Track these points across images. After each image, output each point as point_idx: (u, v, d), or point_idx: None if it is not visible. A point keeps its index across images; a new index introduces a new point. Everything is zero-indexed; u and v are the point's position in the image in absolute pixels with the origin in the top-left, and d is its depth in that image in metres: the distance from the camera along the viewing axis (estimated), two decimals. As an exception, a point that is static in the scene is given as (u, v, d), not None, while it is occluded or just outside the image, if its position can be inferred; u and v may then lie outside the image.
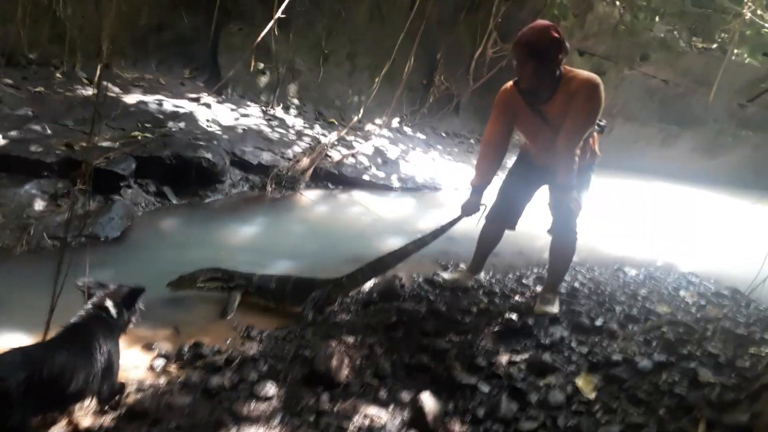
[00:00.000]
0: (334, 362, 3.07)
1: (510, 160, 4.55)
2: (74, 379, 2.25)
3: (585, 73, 3.61)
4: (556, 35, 3.50)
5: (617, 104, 11.57)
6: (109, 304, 2.66)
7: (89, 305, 2.64)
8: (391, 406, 2.87)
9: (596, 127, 3.82)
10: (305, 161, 7.66)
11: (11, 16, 6.79)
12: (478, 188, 4.26)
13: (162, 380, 3.00)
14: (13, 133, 5.59)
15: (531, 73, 3.58)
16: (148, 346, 3.32)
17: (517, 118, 3.97)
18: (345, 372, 3.08)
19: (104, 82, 7.26)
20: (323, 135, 8.88)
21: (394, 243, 5.86)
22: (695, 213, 9.71)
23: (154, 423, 2.57)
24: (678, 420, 2.95)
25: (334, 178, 7.99)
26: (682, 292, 5.12)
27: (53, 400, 2.26)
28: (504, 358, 3.42)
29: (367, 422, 2.69)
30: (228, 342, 3.54)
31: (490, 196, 4.34)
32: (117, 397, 2.68)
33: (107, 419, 2.57)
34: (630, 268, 5.78)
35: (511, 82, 3.90)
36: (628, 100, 12.33)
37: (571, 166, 3.68)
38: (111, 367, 2.53)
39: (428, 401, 2.74)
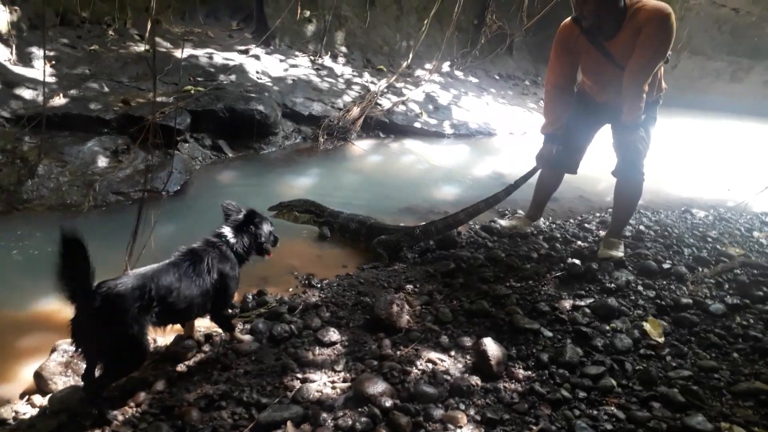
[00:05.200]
0: (395, 308, 3.08)
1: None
2: (181, 298, 2.42)
3: (652, 3, 3.31)
4: None
5: (682, 37, 10.85)
6: (226, 230, 2.75)
7: (210, 233, 2.75)
8: (453, 351, 2.86)
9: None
10: (355, 110, 7.58)
11: (62, -25, 6.87)
12: (551, 135, 4.03)
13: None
14: (73, 91, 5.74)
15: (594, 8, 3.31)
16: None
17: (578, 57, 3.74)
18: (405, 318, 3.09)
19: (155, 38, 7.32)
20: (372, 83, 8.75)
21: (448, 191, 5.81)
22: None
23: (223, 369, 2.66)
24: (753, 363, 2.84)
25: (385, 127, 7.90)
26: (755, 233, 4.87)
27: (165, 315, 2.41)
28: (567, 303, 3.35)
29: (430, 367, 2.70)
30: (290, 290, 3.60)
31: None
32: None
33: (179, 366, 2.67)
34: (698, 209, 5.53)
35: (570, 18, 3.64)
36: (695, 32, 11.55)
37: (639, 103, 3.47)
38: (223, 289, 2.65)
39: (491, 346, 2.71)
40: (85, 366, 2.30)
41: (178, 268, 2.46)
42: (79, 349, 2.21)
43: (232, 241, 2.73)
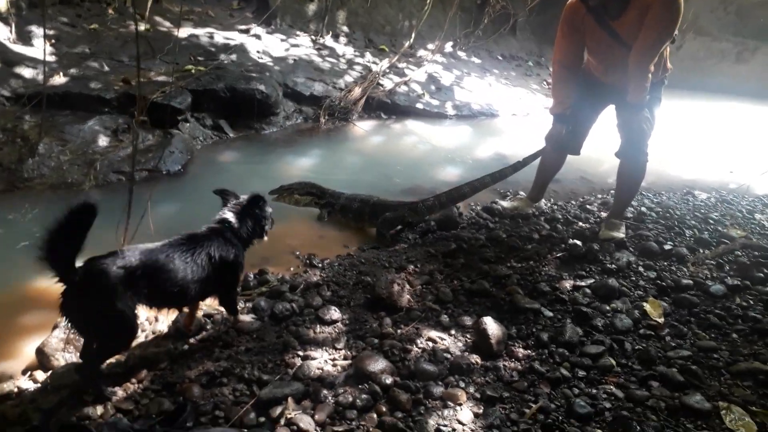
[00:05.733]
0: (395, 288, 3.08)
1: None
2: (173, 281, 2.32)
3: None
4: None
5: (687, 17, 10.72)
6: (229, 215, 2.68)
7: (213, 219, 2.68)
8: (454, 330, 2.87)
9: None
10: (357, 91, 7.53)
11: (61, -47, 6.78)
12: (560, 115, 4.01)
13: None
14: (73, 70, 5.70)
15: None
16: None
17: (584, 36, 3.70)
18: (406, 297, 3.09)
19: (155, 17, 7.26)
20: (374, 63, 8.67)
21: (450, 172, 5.79)
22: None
23: (225, 346, 2.67)
24: (752, 344, 2.85)
25: (387, 108, 7.85)
26: (757, 215, 4.87)
27: (156, 297, 2.33)
28: (568, 284, 3.36)
29: (430, 345, 2.71)
30: (291, 270, 3.61)
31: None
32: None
33: (179, 345, 2.69)
34: (700, 191, 5.53)
35: None
36: (700, 12, 11.39)
37: (645, 83, 3.43)
38: (229, 275, 2.61)
39: (491, 325, 2.72)
40: (83, 343, 2.31)
41: (175, 251, 2.37)
42: (70, 323, 2.19)
43: (237, 226, 2.67)
